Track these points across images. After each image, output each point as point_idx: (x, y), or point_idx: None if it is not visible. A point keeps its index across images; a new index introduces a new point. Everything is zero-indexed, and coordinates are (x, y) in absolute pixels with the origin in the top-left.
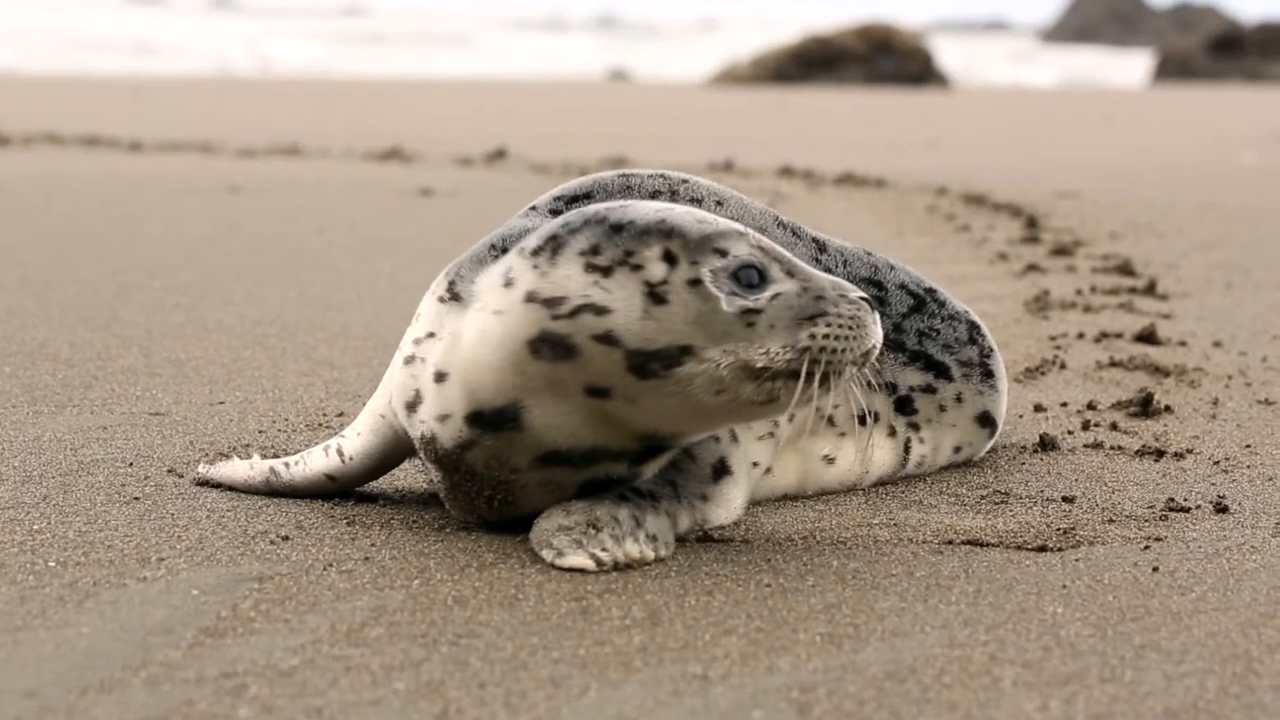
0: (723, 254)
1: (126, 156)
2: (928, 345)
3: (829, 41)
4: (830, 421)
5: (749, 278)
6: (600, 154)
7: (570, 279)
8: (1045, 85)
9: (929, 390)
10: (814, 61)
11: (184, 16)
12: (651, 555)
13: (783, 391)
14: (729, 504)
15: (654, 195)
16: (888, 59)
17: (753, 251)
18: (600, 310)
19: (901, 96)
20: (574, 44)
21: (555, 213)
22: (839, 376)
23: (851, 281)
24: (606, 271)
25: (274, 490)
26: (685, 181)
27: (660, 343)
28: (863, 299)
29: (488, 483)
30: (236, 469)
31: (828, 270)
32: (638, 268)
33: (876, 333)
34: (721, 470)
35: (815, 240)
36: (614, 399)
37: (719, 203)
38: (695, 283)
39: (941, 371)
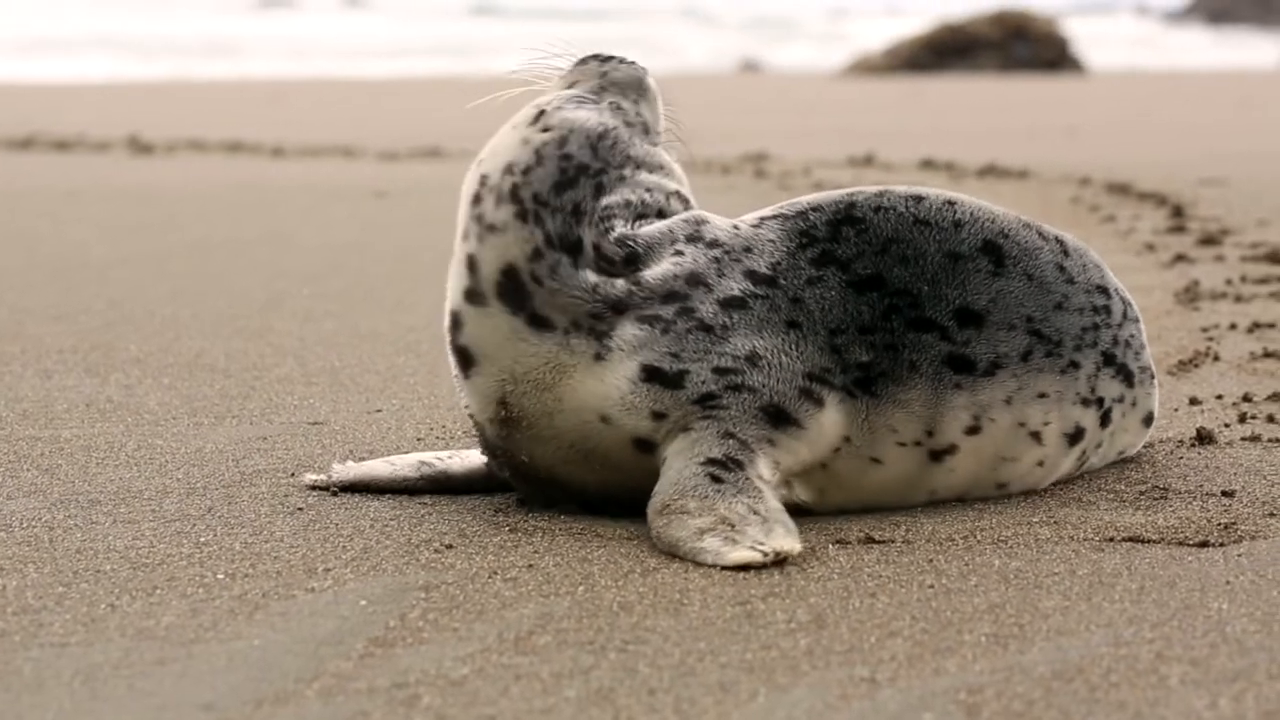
0: None
1: (270, 162)
2: (1127, 355)
3: (962, 29)
4: (1038, 439)
5: None
6: (739, 150)
7: None
8: (1180, 69)
9: (1121, 400)
10: (948, 50)
11: (317, 15)
12: (797, 547)
13: None
14: (801, 450)
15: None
16: (1023, 45)
17: None
18: None
19: (1038, 83)
20: (702, 34)
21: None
22: None
23: (1087, 291)
24: None
25: (424, 479)
26: (920, 200)
27: None
28: None
29: None
30: (376, 467)
31: (1070, 279)
32: None
33: None
34: (778, 417)
35: (1059, 240)
36: None
37: (949, 202)
38: None
39: (1129, 379)
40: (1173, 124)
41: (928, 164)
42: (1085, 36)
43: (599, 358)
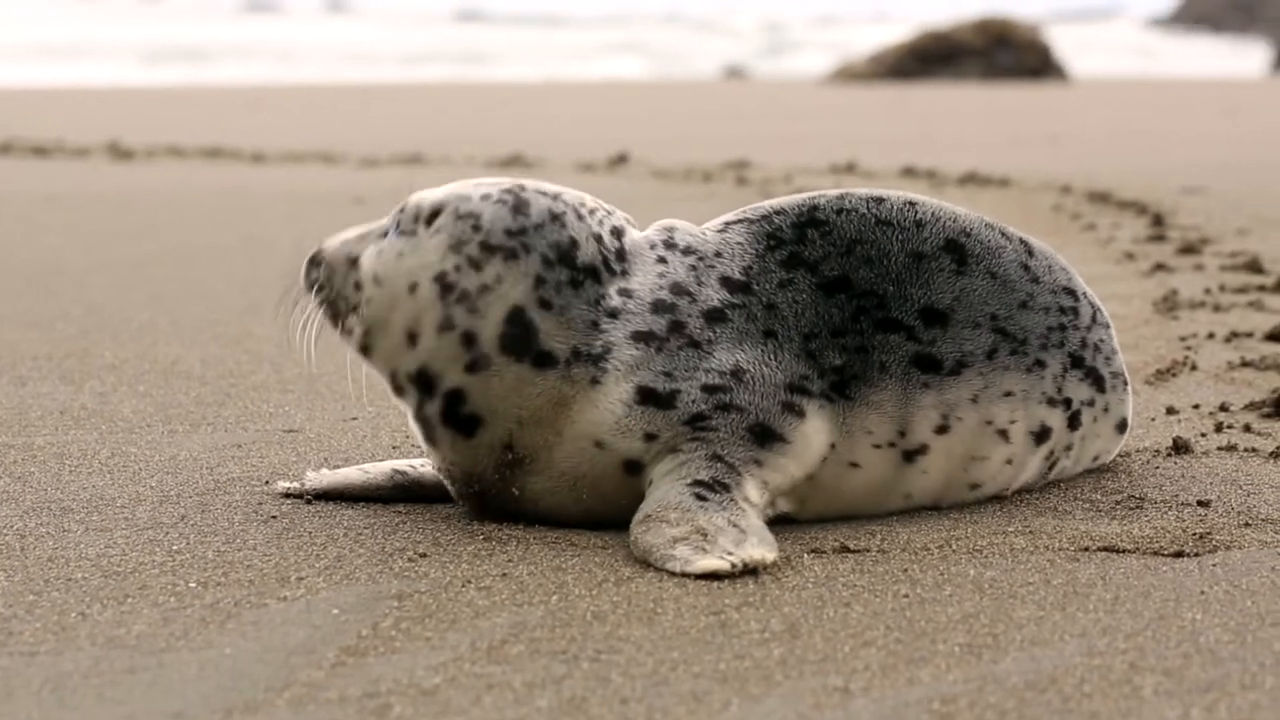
0: None
1: (250, 168)
2: (1097, 359)
3: (946, 36)
4: (1005, 437)
5: None
6: (722, 157)
7: None
8: (1164, 76)
9: (1091, 404)
10: (932, 57)
11: (299, 22)
12: (771, 556)
13: None
14: (789, 466)
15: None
16: (1006, 53)
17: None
18: None
19: (1021, 90)
20: (688, 40)
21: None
22: None
23: (1052, 291)
24: None
25: (398, 487)
26: (881, 201)
27: None
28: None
29: None
30: (350, 475)
31: (1034, 279)
32: None
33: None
34: (764, 435)
35: (1023, 241)
36: None
37: (910, 203)
38: None
39: (1099, 384)
40: (1154, 132)
41: (909, 171)
42: (1069, 44)
43: (595, 382)
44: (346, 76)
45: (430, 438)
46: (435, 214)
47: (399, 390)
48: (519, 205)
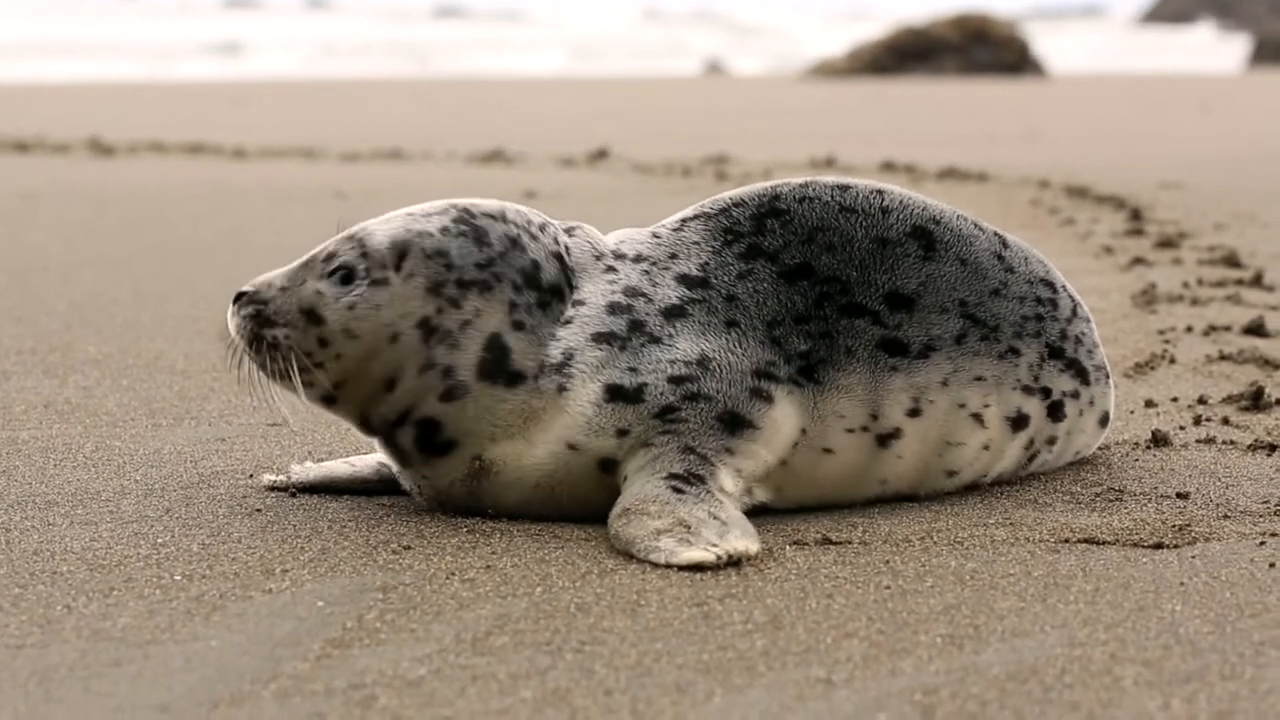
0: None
1: (231, 163)
2: (1079, 352)
3: (924, 32)
4: (980, 422)
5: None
6: (701, 152)
7: None
8: (1141, 72)
9: (1075, 396)
10: (909, 53)
11: (280, 17)
12: (754, 548)
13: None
14: (761, 452)
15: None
16: (983, 49)
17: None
18: None
19: (998, 86)
20: (668, 38)
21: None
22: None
23: (1029, 282)
24: None
25: (383, 480)
26: (846, 189)
27: None
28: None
29: None
30: (335, 468)
31: (1009, 268)
32: None
33: (231, 325)
34: (734, 423)
35: (998, 234)
36: None
37: (878, 191)
38: None
39: (1083, 376)
40: (1132, 127)
41: (888, 166)
42: (1046, 40)
43: (563, 389)
44: (326, 72)
45: (403, 462)
46: (401, 256)
47: (369, 429)
48: (479, 235)
